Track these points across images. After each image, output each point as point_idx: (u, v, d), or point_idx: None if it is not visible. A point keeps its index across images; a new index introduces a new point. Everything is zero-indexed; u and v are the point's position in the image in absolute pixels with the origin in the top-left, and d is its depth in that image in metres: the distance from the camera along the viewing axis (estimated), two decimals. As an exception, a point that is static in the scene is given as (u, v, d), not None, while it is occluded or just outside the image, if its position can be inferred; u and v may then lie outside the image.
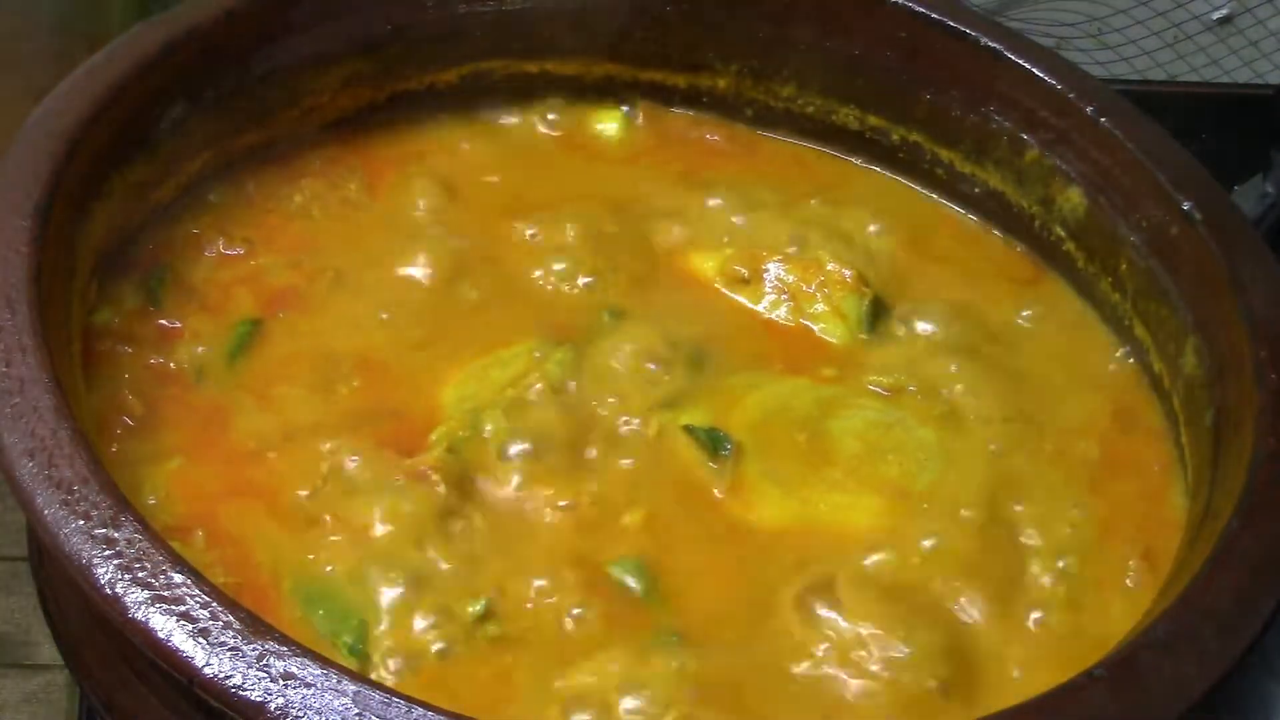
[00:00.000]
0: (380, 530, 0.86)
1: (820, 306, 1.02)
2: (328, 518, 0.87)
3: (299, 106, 1.09)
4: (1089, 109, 1.03)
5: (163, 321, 0.97)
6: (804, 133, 1.17)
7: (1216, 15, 1.54)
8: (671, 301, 1.04)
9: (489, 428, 0.92)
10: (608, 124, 1.17)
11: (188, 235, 1.02)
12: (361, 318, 0.99)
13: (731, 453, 0.93)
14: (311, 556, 0.85)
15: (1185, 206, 0.96)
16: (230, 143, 1.06)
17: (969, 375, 1.00)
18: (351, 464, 0.89)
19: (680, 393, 0.97)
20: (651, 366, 0.98)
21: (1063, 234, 1.07)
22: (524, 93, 1.16)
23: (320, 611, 0.83)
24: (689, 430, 0.94)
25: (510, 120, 1.16)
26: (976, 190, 1.11)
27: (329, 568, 0.85)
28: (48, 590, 0.87)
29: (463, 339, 0.99)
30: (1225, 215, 0.96)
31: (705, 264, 1.06)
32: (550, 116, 1.17)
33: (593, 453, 0.93)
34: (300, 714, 0.66)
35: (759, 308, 1.04)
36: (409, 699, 0.67)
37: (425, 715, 0.67)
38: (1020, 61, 1.06)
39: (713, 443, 0.93)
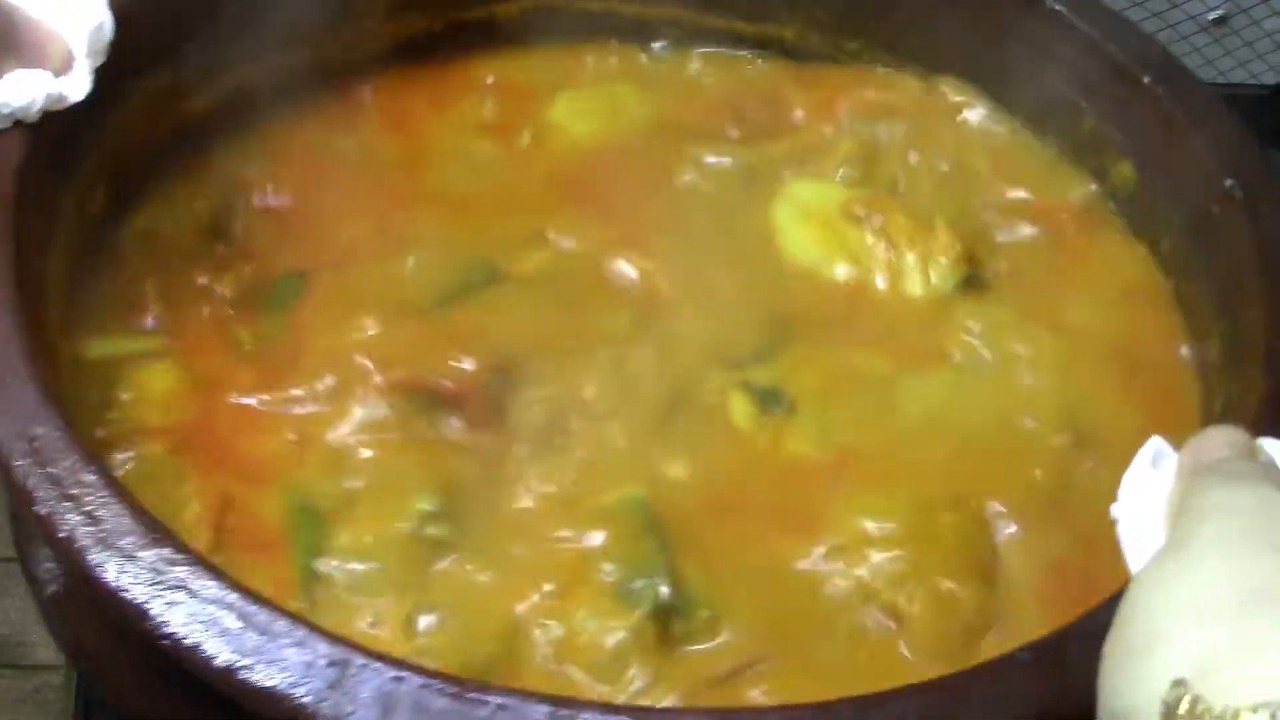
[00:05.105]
0: (404, 465, 0.85)
1: (914, 269, 0.98)
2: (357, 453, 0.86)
3: (348, 30, 1.07)
4: (1146, 78, 0.98)
5: (213, 247, 0.97)
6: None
7: (1211, 16, 1.51)
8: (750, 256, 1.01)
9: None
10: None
11: (237, 170, 1.01)
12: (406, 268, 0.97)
13: (785, 408, 0.90)
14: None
15: (1227, 184, 0.92)
16: (272, 62, 1.04)
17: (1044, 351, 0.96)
18: (380, 398, 0.88)
19: (754, 354, 0.94)
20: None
21: (1114, 208, 1.02)
22: (586, 30, 1.14)
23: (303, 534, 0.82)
24: (747, 387, 0.91)
25: (571, 57, 1.14)
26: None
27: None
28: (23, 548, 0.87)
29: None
30: (1267, 193, 0.90)
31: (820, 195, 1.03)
32: (619, 57, 1.15)
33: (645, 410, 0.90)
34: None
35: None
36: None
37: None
38: (1081, 25, 1.02)
39: (765, 400, 0.90)
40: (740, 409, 0.90)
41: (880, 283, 0.98)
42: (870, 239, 0.99)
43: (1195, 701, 0.49)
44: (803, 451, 0.89)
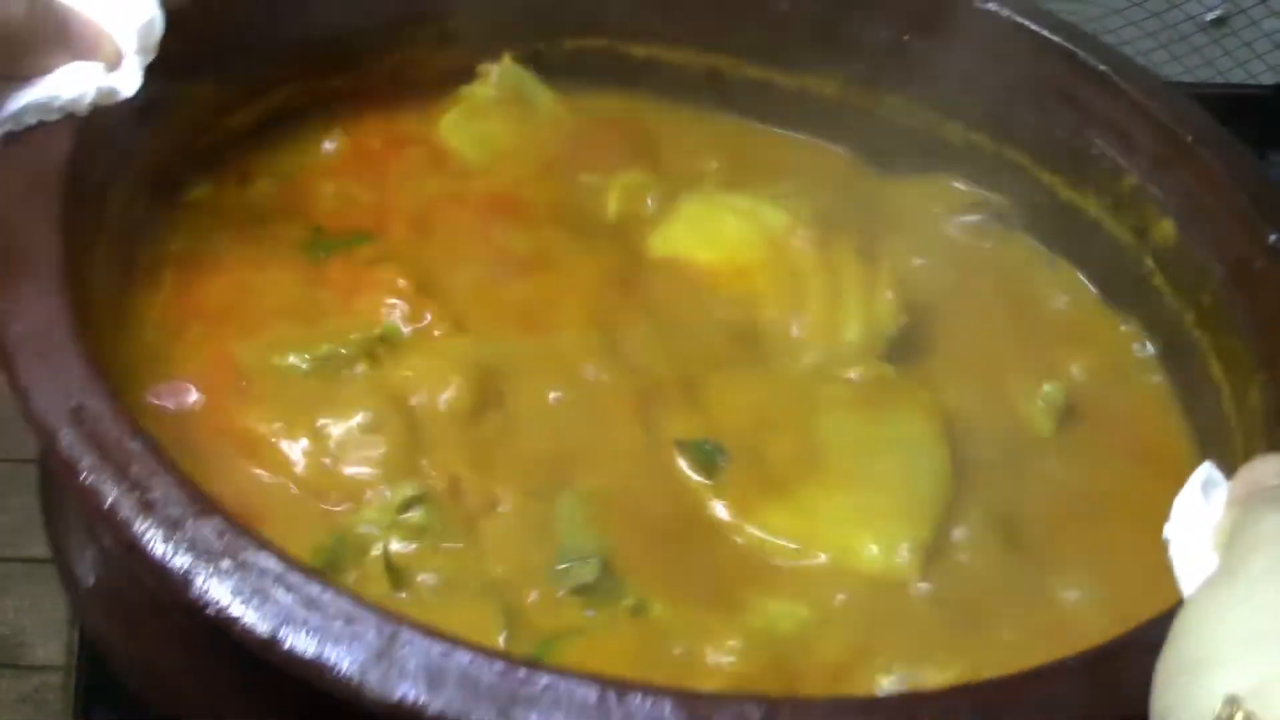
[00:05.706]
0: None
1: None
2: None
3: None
4: (1188, 137, 0.99)
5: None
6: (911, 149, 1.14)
7: (1210, 16, 1.51)
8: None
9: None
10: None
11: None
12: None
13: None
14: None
15: (1271, 239, 0.92)
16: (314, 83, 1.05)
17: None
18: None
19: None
20: None
21: (1153, 265, 1.02)
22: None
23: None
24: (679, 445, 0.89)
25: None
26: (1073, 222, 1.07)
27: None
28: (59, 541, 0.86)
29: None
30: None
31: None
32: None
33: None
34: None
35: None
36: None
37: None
38: (1125, 86, 1.02)
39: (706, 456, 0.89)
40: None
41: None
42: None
43: (1248, 718, 0.50)
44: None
